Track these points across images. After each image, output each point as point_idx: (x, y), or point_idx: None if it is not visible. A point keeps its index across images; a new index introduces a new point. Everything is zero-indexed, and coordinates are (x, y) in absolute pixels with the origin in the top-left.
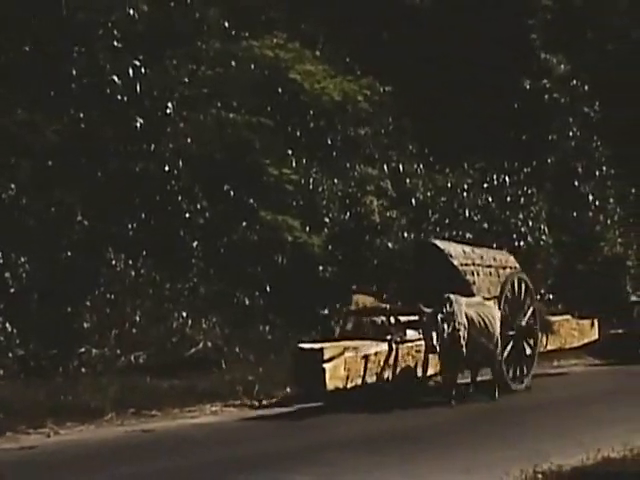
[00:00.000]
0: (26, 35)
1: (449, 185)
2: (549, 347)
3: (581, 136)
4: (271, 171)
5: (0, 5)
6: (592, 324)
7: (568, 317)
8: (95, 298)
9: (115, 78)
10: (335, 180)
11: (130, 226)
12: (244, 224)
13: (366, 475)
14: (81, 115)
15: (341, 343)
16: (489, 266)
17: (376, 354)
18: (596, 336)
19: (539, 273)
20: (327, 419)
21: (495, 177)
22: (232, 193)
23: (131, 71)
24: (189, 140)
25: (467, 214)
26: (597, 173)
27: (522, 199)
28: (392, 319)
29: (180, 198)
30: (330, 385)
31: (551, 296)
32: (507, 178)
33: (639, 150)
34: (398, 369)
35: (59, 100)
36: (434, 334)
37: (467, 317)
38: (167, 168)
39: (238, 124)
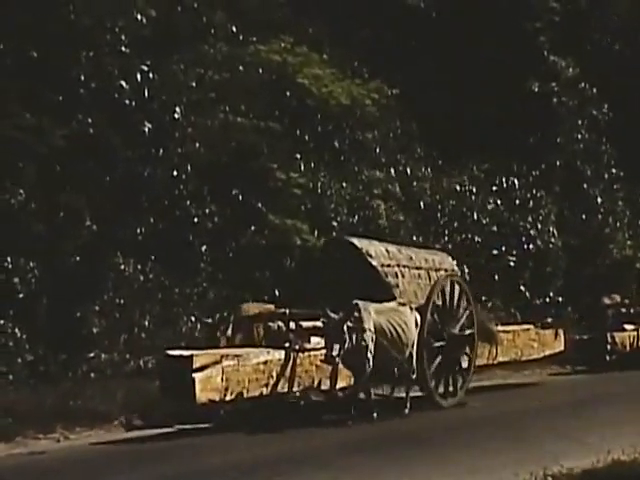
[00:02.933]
0: (33, 40)
1: (457, 188)
2: (500, 359)
3: (589, 139)
4: (279, 175)
5: (7, 10)
6: (556, 334)
7: (529, 326)
8: (104, 303)
9: (123, 83)
10: (343, 184)
11: (138, 230)
12: (252, 228)
13: None
14: (89, 120)
15: (218, 350)
16: (418, 268)
17: (266, 363)
18: (561, 347)
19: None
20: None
21: (503, 180)
22: (240, 197)
23: (138, 76)
24: (197, 144)
25: (475, 217)
26: (605, 176)
27: (530, 202)
28: (292, 325)
29: (188, 202)
30: (202, 397)
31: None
32: (515, 181)
33: None
34: (298, 380)
35: (66, 105)
36: (335, 344)
37: (375, 326)
38: (175, 172)
39: (246, 128)
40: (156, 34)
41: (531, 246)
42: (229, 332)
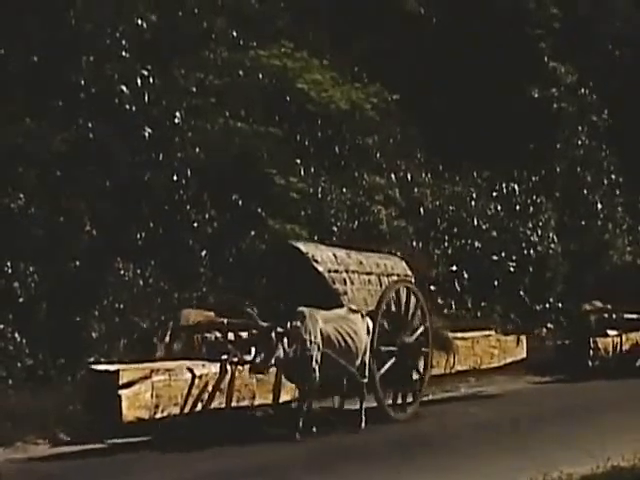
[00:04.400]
0: (34, 45)
1: (458, 194)
2: (458, 367)
3: (589, 145)
4: (279, 180)
5: (7, 15)
6: (518, 341)
7: (489, 333)
8: (103, 308)
9: (123, 87)
10: (343, 189)
11: (138, 235)
12: (252, 233)
13: None
14: (89, 125)
15: (148, 364)
16: (369, 273)
17: (201, 377)
18: (523, 355)
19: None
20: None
21: (504, 186)
22: (240, 202)
23: (139, 81)
24: (197, 149)
25: (475, 223)
26: (605, 182)
27: (531, 208)
28: (232, 335)
29: (188, 207)
30: (129, 416)
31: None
32: (516, 187)
33: None
34: (237, 395)
35: (67, 109)
36: (261, 353)
37: (323, 334)
38: (175, 177)
39: (246, 133)
40: (157, 39)
41: (531, 252)
42: (167, 340)
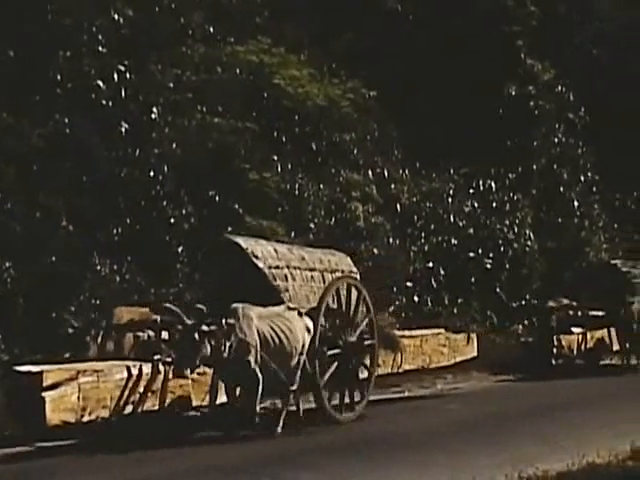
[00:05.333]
0: (10, 39)
1: (435, 191)
2: (406, 367)
3: (566, 142)
4: (256, 176)
5: None
6: (468, 339)
7: (439, 331)
8: (80, 303)
9: (100, 83)
10: (320, 185)
11: (115, 231)
12: (229, 229)
13: None
14: (66, 120)
15: (75, 365)
16: (311, 269)
17: (132, 378)
18: (474, 353)
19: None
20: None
21: (481, 183)
22: (217, 198)
23: (116, 76)
24: (174, 145)
25: (452, 219)
26: (582, 179)
27: (507, 205)
28: (165, 334)
29: (165, 203)
30: (54, 419)
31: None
32: (493, 184)
33: (624, 156)
34: (171, 396)
35: (44, 105)
36: (185, 354)
37: (258, 332)
38: (152, 173)
39: (223, 129)
40: (134, 34)
41: (508, 249)
42: (99, 340)
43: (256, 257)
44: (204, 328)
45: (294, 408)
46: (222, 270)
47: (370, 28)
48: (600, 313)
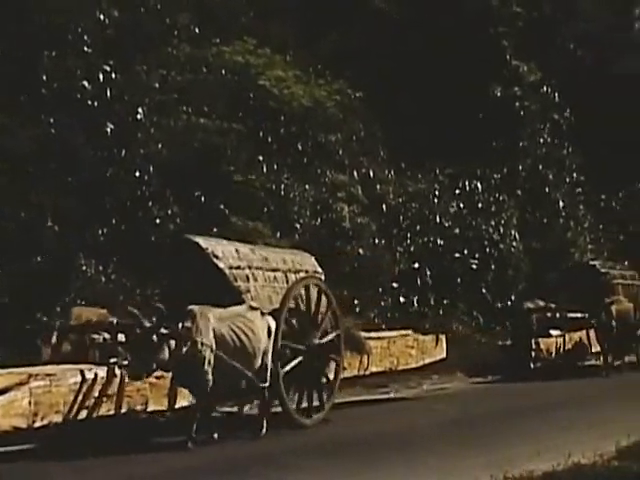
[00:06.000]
0: None
1: (420, 191)
2: (373, 369)
3: (552, 143)
4: (242, 177)
5: None
6: (437, 340)
7: (407, 332)
8: (65, 304)
9: (85, 83)
10: (306, 186)
11: (101, 232)
12: (215, 230)
13: None
14: (51, 120)
15: (26, 369)
16: (274, 270)
17: (87, 382)
18: (443, 355)
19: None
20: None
21: (467, 183)
22: (203, 198)
23: (101, 76)
24: (160, 145)
25: (438, 220)
26: (567, 180)
27: (493, 206)
28: (121, 337)
29: (151, 204)
30: (4, 424)
31: None
32: (478, 184)
33: (609, 157)
34: (128, 401)
35: (29, 105)
36: (142, 356)
37: (216, 334)
38: (138, 173)
39: (209, 130)
40: (119, 35)
41: (493, 250)
42: (54, 341)
43: (217, 257)
44: (162, 331)
45: (279, 409)
46: (182, 271)
47: (356, 29)
48: (579, 315)
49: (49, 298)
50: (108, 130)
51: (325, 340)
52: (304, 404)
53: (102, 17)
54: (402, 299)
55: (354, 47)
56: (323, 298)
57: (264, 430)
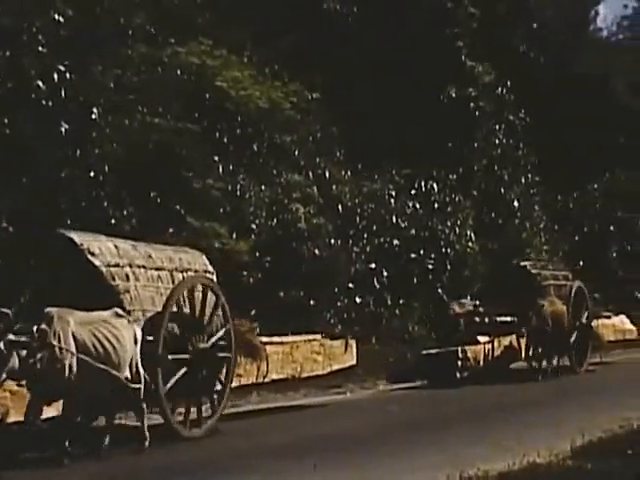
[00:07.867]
0: None
1: (376, 192)
2: (273, 376)
3: (507, 144)
4: (197, 177)
5: None
6: (346, 346)
7: (313, 337)
8: (20, 307)
9: (40, 83)
10: (262, 187)
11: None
12: (171, 230)
13: None
14: (5, 120)
15: None
16: (159, 269)
17: None
18: (353, 361)
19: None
20: None
21: (422, 184)
22: (159, 199)
23: (56, 76)
24: (115, 145)
25: (394, 220)
26: (523, 180)
27: (449, 206)
28: None
29: (106, 204)
30: None
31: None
32: (434, 185)
33: (564, 157)
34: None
35: None
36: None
37: (77, 340)
38: (93, 174)
39: (164, 130)
40: (74, 35)
41: (449, 250)
42: None
43: (92, 254)
44: (11, 337)
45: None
46: (54, 269)
47: (312, 29)
48: (509, 319)
49: (5, 300)
50: (63, 130)
51: (213, 340)
52: (190, 414)
53: (57, 17)
54: (358, 300)
55: (310, 48)
56: (213, 299)
57: (146, 443)
